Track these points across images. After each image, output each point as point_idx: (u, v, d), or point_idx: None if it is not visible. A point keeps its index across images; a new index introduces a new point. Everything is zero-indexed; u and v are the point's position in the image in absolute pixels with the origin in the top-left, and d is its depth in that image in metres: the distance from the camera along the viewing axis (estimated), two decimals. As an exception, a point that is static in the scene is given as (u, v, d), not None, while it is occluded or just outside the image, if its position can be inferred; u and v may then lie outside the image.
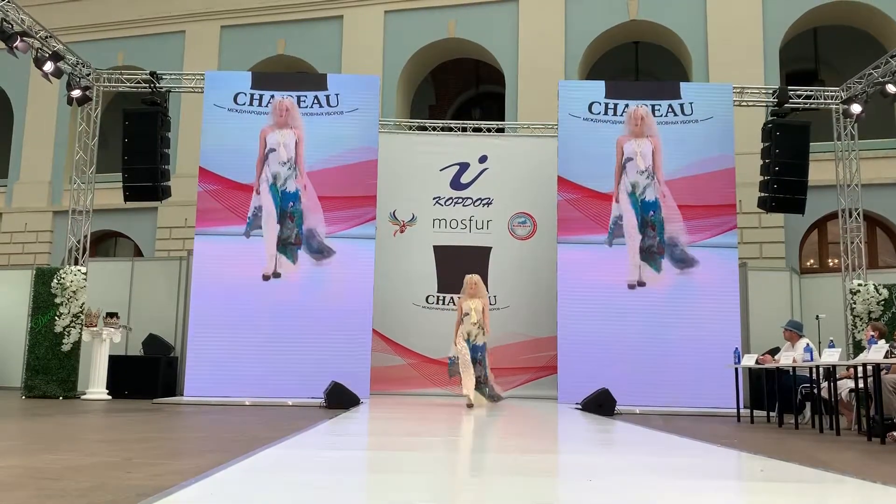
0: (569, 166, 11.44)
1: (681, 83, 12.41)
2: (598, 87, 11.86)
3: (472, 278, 9.62)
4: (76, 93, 11.50)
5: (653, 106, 11.62)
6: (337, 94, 11.78)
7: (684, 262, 11.43)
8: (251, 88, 11.75)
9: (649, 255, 11.45)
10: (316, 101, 11.75)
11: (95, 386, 10.85)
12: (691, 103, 11.62)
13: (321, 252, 11.53)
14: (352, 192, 11.46)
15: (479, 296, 9.51)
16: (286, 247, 11.60)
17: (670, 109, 11.61)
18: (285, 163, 11.79)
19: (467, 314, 9.43)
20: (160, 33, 17.10)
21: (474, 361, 9.25)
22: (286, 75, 13.60)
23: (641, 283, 11.37)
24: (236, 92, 11.71)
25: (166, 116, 11.93)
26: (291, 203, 11.67)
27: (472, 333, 9.37)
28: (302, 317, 11.06)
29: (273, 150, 11.85)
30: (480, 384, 9.45)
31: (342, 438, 5.85)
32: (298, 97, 11.76)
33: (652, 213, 11.54)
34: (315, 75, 13.87)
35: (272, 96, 11.79)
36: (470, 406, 9.09)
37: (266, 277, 11.44)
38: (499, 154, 13.00)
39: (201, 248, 11.27)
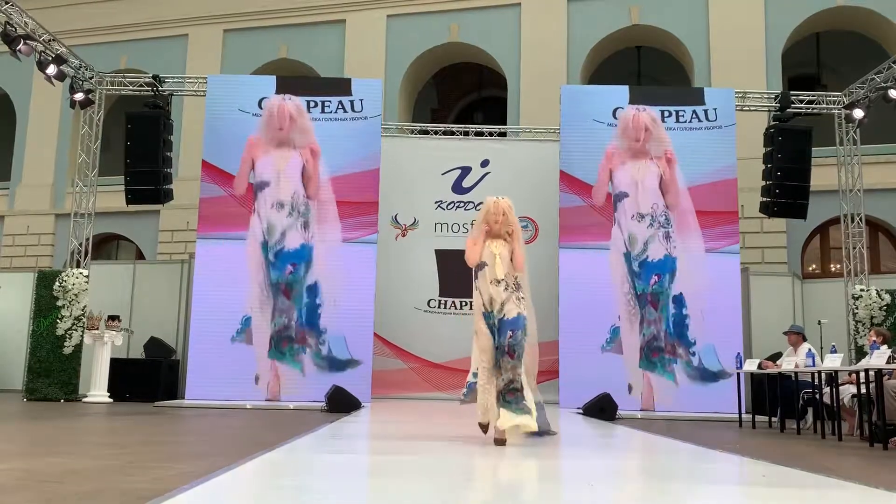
0: (573, 170, 11.37)
1: (704, 88, 12.33)
2: (621, 93, 11.66)
3: (498, 204, 5.53)
4: (79, 96, 11.52)
5: (676, 112, 11.42)
6: (361, 100, 11.44)
7: (706, 372, 10.25)
8: (275, 94, 11.43)
9: (651, 354, 10.45)
10: (340, 107, 11.43)
11: (97, 389, 10.84)
12: (715, 109, 11.44)
13: (344, 363, 9.94)
14: (358, 198, 11.28)
15: (505, 236, 5.47)
16: (282, 349, 10.30)
17: (694, 115, 11.42)
18: (285, 205, 10.50)
19: (483, 266, 5.37)
20: (163, 37, 17.13)
21: (502, 352, 5.16)
22: (310, 80, 13.09)
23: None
24: (261, 97, 11.41)
25: (169, 119, 11.94)
26: (291, 267, 10.31)
27: (495, 301, 5.24)
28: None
29: (266, 183, 10.73)
30: (510, 395, 5.10)
31: (343, 442, 5.85)
32: (322, 103, 11.42)
33: (657, 278, 10.55)
34: (339, 79, 13.53)
35: (286, 98, 11.15)
36: (501, 442, 5.09)
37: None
38: (501, 158, 13.00)
39: (203, 253, 11.23)
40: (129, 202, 11.90)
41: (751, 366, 8.89)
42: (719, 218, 11.20)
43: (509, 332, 5.18)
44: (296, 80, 12.58)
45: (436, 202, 12.86)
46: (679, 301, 10.71)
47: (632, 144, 11.20)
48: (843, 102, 11.77)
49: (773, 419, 8.77)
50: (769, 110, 12.22)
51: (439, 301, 12.55)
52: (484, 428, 5.42)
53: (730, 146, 11.38)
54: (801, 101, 11.93)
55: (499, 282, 5.29)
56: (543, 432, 5.50)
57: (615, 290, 10.92)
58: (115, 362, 11.25)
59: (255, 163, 11.03)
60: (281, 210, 10.78)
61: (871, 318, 10.93)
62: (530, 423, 5.06)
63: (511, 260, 5.40)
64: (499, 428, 5.09)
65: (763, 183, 11.84)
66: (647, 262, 10.87)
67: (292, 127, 11.19)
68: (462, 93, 19.06)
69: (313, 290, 10.63)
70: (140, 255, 16.58)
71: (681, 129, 11.44)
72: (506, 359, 5.15)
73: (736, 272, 11.19)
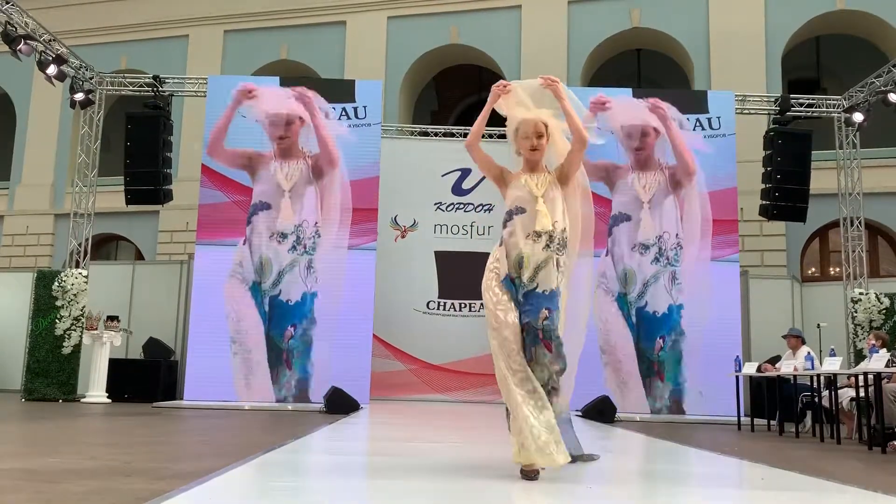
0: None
1: (708, 92, 12.23)
2: (624, 95, 11.50)
3: (528, 122, 4.07)
4: (79, 96, 11.53)
5: (680, 122, 11.25)
6: (365, 107, 11.26)
7: None
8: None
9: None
10: (344, 114, 11.23)
11: (95, 389, 10.83)
12: (719, 118, 11.30)
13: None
14: (358, 205, 11.18)
15: (545, 169, 3.91)
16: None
17: (698, 124, 11.24)
18: (287, 235, 9.48)
19: (516, 213, 3.75)
20: (163, 37, 17.14)
21: (535, 339, 3.50)
22: (314, 81, 12.70)
23: None
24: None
25: (168, 120, 11.94)
26: (292, 329, 9.30)
27: (527, 263, 3.59)
28: (303, 323, 10.99)
29: (265, 206, 9.70)
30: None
31: (342, 444, 5.84)
32: (326, 112, 11.21)
33: (663, 339, 10.01)
34: (343, 81, 13.36)
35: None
36: (531, 476, 3.49)
37: None
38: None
39: (202, 259, 11.14)
40: (128, 202, 11.90)
41: (750, 369, 8.89)
42: (719, 226, 11.12)
43: (544, 311, 3.50)
44: (299, 81, 12.45)
45: (435, 204, 12.86)
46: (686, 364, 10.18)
47: (636, 153, 10.90)
48: (843, 106, 11.79)
49: (772, 422, 8.77)
50: (769, 113, 12.23)
51: (438, 303, 12.54)
52: (531, 474, 3.48)
53: (731, 155, 11.34)
54: (801, 105, 11.94)
55: (539, 235, 3.58)
56: (577, 457, 3.87)
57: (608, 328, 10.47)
58: (113, 363, 11.24)
59: (255, 177, 10.68)
60: (280, 242, 9.90)
61: (870, 321, 10.94)
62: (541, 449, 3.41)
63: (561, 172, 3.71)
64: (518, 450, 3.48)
65: (762, 186, 11.85)
66: (647, 314, 10.36)
67: (300, 130, 10.86)
68: (462, 94, 19.06)
69: (314, 347, 10.20)
70: (139, 256, 16.58)
71: (685, 137, 11.37)
72: (541, 350, 3.48)
73: (736, 281, 11.14)
